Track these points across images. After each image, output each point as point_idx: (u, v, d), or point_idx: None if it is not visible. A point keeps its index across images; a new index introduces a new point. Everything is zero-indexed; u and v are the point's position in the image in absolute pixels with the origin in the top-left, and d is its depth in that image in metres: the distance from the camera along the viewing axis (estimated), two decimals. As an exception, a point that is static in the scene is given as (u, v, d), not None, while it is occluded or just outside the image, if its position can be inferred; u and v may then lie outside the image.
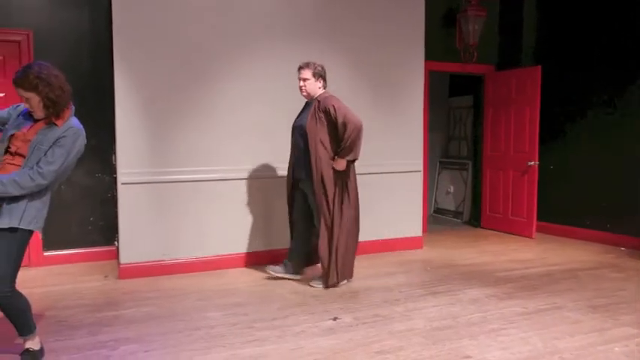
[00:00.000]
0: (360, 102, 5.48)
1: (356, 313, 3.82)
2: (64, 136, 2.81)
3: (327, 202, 4.24)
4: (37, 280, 4.60)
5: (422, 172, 5.91)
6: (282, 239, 5.09)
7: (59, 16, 4.97)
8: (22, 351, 2.97)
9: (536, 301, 4.06)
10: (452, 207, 8.07)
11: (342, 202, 4.30)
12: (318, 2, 5.24)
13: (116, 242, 5.25)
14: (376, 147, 5.54)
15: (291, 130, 4.47)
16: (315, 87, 4.28)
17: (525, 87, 6.47)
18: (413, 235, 5.85)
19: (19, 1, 4.83)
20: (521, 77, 6.53)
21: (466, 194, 7.77)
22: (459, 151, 8.30)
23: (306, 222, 4.50)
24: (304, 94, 4.31)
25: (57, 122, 2.84)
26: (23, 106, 2.92)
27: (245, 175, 5.02)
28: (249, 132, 5.01)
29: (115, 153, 4.93)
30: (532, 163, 6.39)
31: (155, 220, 4.73)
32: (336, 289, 4.36)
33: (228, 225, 4.98)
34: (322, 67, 4.31)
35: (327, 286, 4.36)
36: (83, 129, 2.93)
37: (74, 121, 2.91)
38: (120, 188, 4.62)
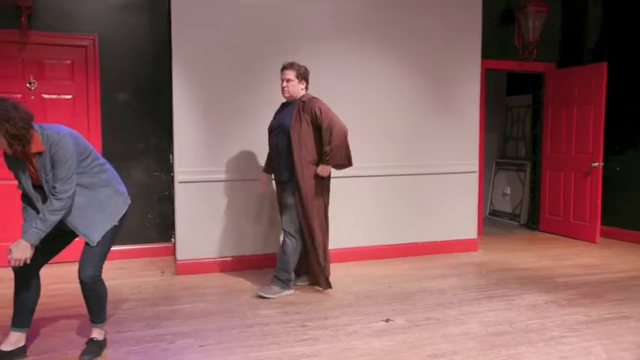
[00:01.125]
0: (415, 102, 5.42)
1: (409, 315, 3.77)
2: (53, 152, 2.78)
3: (309, 201, 4.08)
4: (100, 274, 4.78)
5: (478, 173, 5.78)
6: (339, 239, 5.11)
7: (122, 21, 5.16)
8: (87, 340, 3.11)
9: (601, 309, 3.87)
10: (508, 209, 7.84)
11: (324, 204, 4.21)
12: (373, 2, 5.20)
13: (173, 239, 5.40)
14: (431, 147, 5.48)
15: (268, 130, 4.32)
16: (297, 88, 4.15)
17: (590, 85, 6.19)
18: (468, 237, 5.73)
19: (87, 8, 5.05)
20: (586, 75, 6.26)
21: (524, 196, 7.52)
22: (516, 151, 8.05)
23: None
24: (286, 94, 4.17)
25: (34, 149, 2.78)
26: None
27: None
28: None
29: (172, 152, 5.08)
30: (596, 164, 6.11)
31: (210, 218, 4.83)
32: (389, 290, 4.32)
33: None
34: (306, 69, 4.19)
35: (329, 286, 4.30)
36: (60, 127, 2.87)
37: (48, 132, 2.81)
38: (177, 186, 4.75)
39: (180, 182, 4.74)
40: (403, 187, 5.43)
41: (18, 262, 2.77)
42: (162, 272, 4.88)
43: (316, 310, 3.86)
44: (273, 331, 3.46)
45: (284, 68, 4.16)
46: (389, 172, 5.35)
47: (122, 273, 4.81)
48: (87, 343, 3.10)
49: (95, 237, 2.98)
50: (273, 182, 4.54)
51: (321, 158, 4.10)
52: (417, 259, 5.32)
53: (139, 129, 5.25)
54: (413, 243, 5.48)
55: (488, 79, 6.95)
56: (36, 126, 2.80)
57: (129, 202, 3.14)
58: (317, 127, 4.08)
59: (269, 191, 4.95)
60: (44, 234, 2.81)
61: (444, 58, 5.50)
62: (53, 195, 2.80)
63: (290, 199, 4.13)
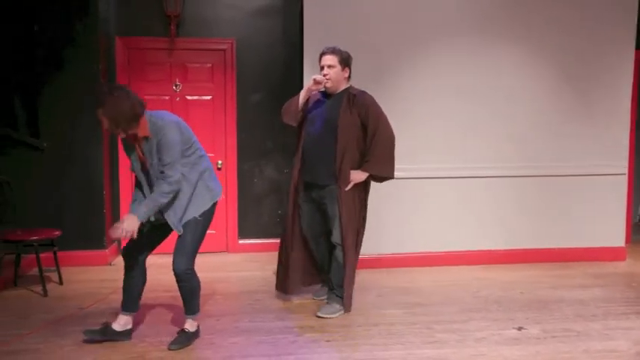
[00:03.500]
0: (553, 97, 5.07)
1: (544, 324, 3.53)
2: (159, 137, 2.97)
3: (346, 212, 3.61)
4: (234, 265, 5.07)
5: (627, 176, 5.24)
6: (463, 241, 4.99)
7: (257, 24, 5.42)
8: (179, 330, 3.29)
9: None
10: (662, 216, 7.03)
11: (361, 218, 3.76)
12: (506, -7, 4.96)
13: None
14: (572, 147, 5.10)
15: (297, 125, 3.78)
16: (340, 76, 3.62)
17: None
18: (613, 244, 5.22)
19: (225, 14, 5.37)
20: None
21: (682, 202, 6.69)
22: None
23: (320, 237, 3.88)
24: (328, 83, 3.61)
25: (141, 134, 3.00)
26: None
27: (419, 174, 4.96)
28: (431, 129, 4.93)
29: (302, 150, 5.24)
30: None
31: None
32: (521, 297, 4.08)
33: (407, 224, 4.96)
34: (349, 55, 3.67)
35: (348, 309, 3.77)
36: (166, 114, 3.08)
37: (155, 118, 3.02)
38: (306, 184, 4.88)
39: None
40: (538, 189, 5.10)
41: (126, 234, 2.95)
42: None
43: (443, 312, 3.76)
44: (398, 331, 3.43)
45: (323, 54, 3.65)
46: (522, 172, 5.05)
47: (254, 265, 5.05)
48: (178, 333, 3.26)
49: (176, 222, 3.09)
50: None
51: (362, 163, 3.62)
52: (551, 265, 4.97)
53: (270, 128, 5.47)
54: (546, 249, 5.13)
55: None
56: (146, 113, 3.00)
57: (217, 199, 3.23)
58: (364, 128, 3.61)
59: (392, 190, 4.91)
60: (151, 214, 3.01)
61: (589, 48, 5.06)
62: (162, 179, 2.99)
63: (333, 207, 3.66)
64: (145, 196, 3.11)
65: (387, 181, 4.90)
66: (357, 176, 3.62)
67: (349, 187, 3.61)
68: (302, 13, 4.90)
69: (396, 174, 4.85)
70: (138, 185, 3.20)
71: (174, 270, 3.13)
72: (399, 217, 4.96)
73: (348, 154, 3.59)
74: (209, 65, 5.42)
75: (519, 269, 4.86)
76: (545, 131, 5.08)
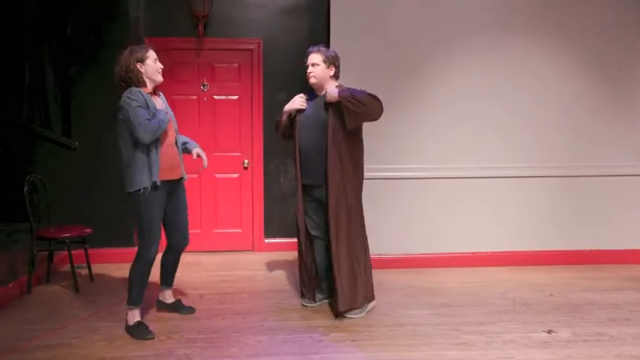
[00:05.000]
0: (583, 97, 4.95)
1: (575, 328, 3.46)
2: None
3: (335, 214, 3.59)
4: (259, 264, 5.10)
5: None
6: (490, 241, 4.93)
7: (284, 24, 5.43)
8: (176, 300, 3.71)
9: None
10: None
11: (353, 219, 3.68)
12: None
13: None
14: (604, 147, 5.00)
15: (296, 124, 3.79)
16: (325, 74, 3.68)
17: None
18: (648, 247, 5.09)
19: (252, 14, 5.40)
20: None
21: None
22: None
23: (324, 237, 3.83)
24: (312, 80, 3.71)
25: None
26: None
27: (447, 174, 4.91)
28: (460, 130, 4.88)
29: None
30: None
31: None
32: (551, 299, 4.00)
33: (434, 224, 4.92)
34: (336, 54, 3.73)
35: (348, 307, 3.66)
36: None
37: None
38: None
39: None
40: (569, 190, 4.99)
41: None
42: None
43: (470, 314, 3.71)
44: (425, 332, 3.40)
45: (309, 53, 3.75)
46: (552, 173, 4.96)
47: (279, 264, 5.06)
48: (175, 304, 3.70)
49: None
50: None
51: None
52: (583, 268, 4.86)
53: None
54: (577, 250, 5.01)
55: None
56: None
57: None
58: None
59: (420, 190, 4.87)
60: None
61: (617, 49, 4.95)
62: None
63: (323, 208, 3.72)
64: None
65: (414, 182, 4.89)
66: (332, 94, 3.56)
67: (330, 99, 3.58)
68: (329, 12, 4.89)
69: (424, 174, 4.88)
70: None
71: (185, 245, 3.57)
72: (426, 218, 4.92)
73: (340, 151, 3.60)
74: (236, 65, 5.46)
75: (549, 271, 4.77)
76: (576, 132, 4.98)
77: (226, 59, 5.44)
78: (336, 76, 3.75)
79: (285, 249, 5.50)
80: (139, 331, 3.31)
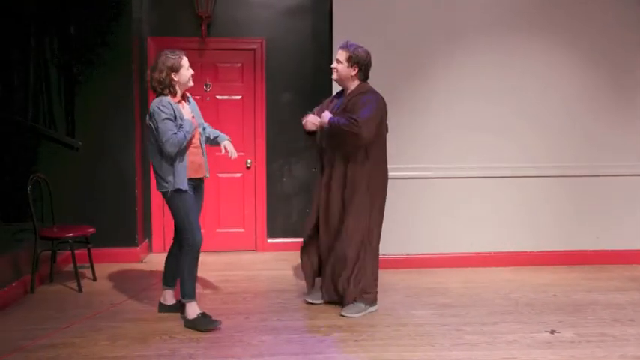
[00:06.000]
0: (585, 96, 4.95)
1: (578, 328, 3.46)
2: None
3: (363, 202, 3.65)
4: (262, 263, 5.11)
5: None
6: (492, 242, 4.93)
7: (287, 24, 5.43)
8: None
9: None
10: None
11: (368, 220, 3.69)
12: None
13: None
14: (606, 147, 4.98)
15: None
16: (347, 73, 3.64)
17: None
18: (652, 247, 5.08)
19: (255, 14, 5.40)
20: None
21: None
22: None
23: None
24: (334, 76, 3.73)
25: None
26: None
27: (449, 174, 4.91)
28: (463, 130, 4.88)
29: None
30: None
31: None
32: (554, 299, 4.00)
33: (436, 224, 4.92)
34: (365, 54, 3.66)
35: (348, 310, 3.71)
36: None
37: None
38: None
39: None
40: (571, 190, 4.98)
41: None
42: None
43: (473, 314, 3.71)
44: (427, 332, 3.40)
45: (338, 48, 3.75)
46: (555, 173, 4.96)
47: (283, 264, 5.06)
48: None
49: None
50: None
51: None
52: (586, 268, 4.85)
53: (299, 127, 5.41)
54: (580, 251, 5.01)
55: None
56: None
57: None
58: None
59: (424, 190, 4.87)
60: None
61: (622, 49, 4.94)
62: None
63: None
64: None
65: (417, 182, 4.88)
66: (317, 120, 3.70)
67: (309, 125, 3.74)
68: (332, 12, 4.90)
69: (426, 174, 4.88)
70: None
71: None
72: (428, 218, 4.91)
73: (352, 159, 3.63)
74: (239, 65, 5.46)
75: (551, 271, 4.77)
76: (578, 132, 4.97)
77: (229, 59, 5.44)
78: (360, 77, 3.70)
79: (287, 249, 5.50)
80: (204, 322, 3.40)
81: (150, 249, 5.40)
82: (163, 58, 3.37)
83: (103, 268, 4.70)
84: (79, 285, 4.19)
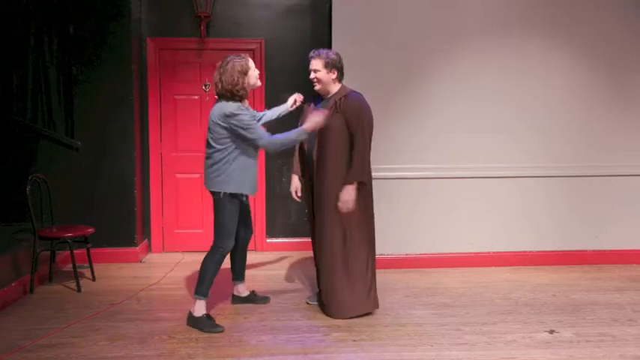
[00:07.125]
0: (585, 96, 4.95)
1: (577, 328, 3.46)
2: None
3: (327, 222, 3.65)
4: (261, 263, 5.10)
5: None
6: (491, 242, 4.93)
7: (286, 24, 5.43)
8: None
9: None
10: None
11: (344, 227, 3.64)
12: (540, -10, 4.87)
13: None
14: (606, 147, 4.99)
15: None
16: (328, 78, 3.64)
17: None
18: (650, 247, 5.08)
19: (255, 15, 5.40)
20: None
21: None
22: None
23: None
24: (317, 86, 3.71)
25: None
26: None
27: (448, 174, 4.91)
28: (461, 130, 4.88)
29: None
30: None
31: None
32: (554, 299, 4.00)
33: (436, 224, 4.92)
34: (337, 57, 3.66)
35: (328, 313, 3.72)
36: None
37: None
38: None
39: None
40: (570, 190, 4.99)
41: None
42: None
43: (473, 314, 3.71)
44: (427, 332, 3.40)
45: (310, 58, 3.71)
46: (554, 173, 4.95)
47: (282, 264, 5.06)
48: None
49: None
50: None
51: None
52: (585, 268, 4.86)
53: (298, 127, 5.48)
54: (579, 251, 5.01)
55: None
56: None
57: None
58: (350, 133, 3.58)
59: (423, 190, 4.86)
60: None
61: (623, 50, 4.94)
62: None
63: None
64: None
65: (416, 182, 4.91)
66: (345, 195, 3.54)
67: (344, 207, 3.55)
68: (331, 12, 4.90)
69: (425, 174, 4.88)
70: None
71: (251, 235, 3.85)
72: (428, 218, 4.91)
73: (338, 158, 3.60)
74: (238, 65, 5.46)
75: (551, 271, 4.77)
76: (577, 132, 4.97)
77: (228, 59, 5.44)
78: (339, 79, 3.71)
79: (287, 249, 5.50)
80: (207, 324, 3.41)
81: (149, 249, 5.40)
82: (231, 63, 3.37)
83: (103, 268, 4.70)
84: (78, 285, 4.19)
